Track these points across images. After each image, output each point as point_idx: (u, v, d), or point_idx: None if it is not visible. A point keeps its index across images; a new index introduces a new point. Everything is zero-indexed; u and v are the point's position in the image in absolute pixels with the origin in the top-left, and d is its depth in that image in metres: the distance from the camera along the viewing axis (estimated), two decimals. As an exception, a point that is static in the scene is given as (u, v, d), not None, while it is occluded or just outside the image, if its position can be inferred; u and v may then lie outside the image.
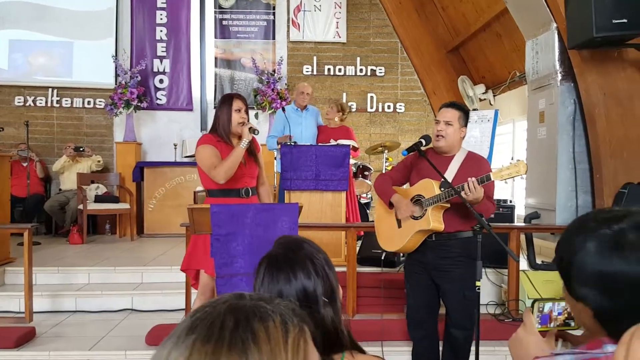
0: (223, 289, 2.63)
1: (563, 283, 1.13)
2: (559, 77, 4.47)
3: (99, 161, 7.37)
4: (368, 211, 6.02)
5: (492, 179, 2.76)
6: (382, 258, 3.65)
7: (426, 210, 2.93)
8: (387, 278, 4.07)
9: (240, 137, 3.16)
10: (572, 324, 1.31)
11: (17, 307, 4.26)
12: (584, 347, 1.07)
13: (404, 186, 3.20)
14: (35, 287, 4.29)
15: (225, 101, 3.23)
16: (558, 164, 4.45)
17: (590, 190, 4.43)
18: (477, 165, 3.01)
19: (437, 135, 3.00)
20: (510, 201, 5.24)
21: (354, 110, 8.02)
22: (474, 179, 2.74)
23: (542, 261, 5.01)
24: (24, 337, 3.64)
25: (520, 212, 5.38)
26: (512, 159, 2.89)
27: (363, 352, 1.28)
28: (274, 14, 7.91)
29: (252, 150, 3.29)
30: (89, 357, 3.54)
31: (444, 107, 3.09)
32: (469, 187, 2.72)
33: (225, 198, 3.11)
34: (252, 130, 3.15)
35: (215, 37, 7.92)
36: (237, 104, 3.19)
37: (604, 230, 1.05)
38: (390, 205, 3.07)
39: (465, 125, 3.07)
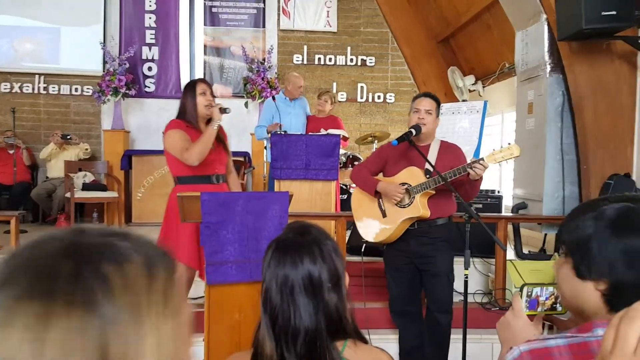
0: (213, 276, 2.63)
1: (571, 265, 1.14)
2: (548, 68, 4.49)
3: (86, 149, 7.30)
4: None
5: (487, 162, 2.80)
6: (363, 247, 3.66)
7: (414, 197, 2.97)
8: (371, 267, 4.10)
9: (208, 122, 3.13)
10: (559, 308, 1.34)
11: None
12: (575, 330, 1.09)
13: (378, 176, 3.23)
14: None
15: (188, 87, 3.21)
16: (546, 155, 4.50)
17: (577, 181, 4.48)
18: (453, 153, 3.15)
19: (419, 124, 3.04)
20: (498, 191, 5.29)
21: (343, 100, 8.02)
22: (481, 159, 2.81)
23: (529, 251, 5.07)
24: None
25: (507, 202, 5.43)
26: (493, 149, 2.93)
27: (366, 341, 1.30)
28: (264, 1, 7.85)
29: (220, 138, 3.28)
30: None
31: (422, 96, 3.16)
32: (476, 168, 2.78)
33: (196, 185, 3.08)
34: (223, 110, 3.12)
35: (205, 25, 7.86)
36: (200, 87, 3.17)
37: (621, 204, 1.10)
38: (375, 194, 3.10)
39: (438, 116, 3.16)
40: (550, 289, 1.33)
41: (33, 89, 7.64)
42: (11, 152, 6.80)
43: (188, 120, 3.16)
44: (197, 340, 3.51)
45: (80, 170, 7.01)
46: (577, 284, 1.14)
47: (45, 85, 7.66)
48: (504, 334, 1.29)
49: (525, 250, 4.93)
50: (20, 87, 7.62)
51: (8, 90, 7.61)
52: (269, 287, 1.22)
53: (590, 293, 1.10)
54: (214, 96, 3.24)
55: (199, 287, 3.94)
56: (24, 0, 7.47)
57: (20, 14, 7.49)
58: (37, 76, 7.63)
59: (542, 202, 4.52)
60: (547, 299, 1.33)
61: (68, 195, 6.51)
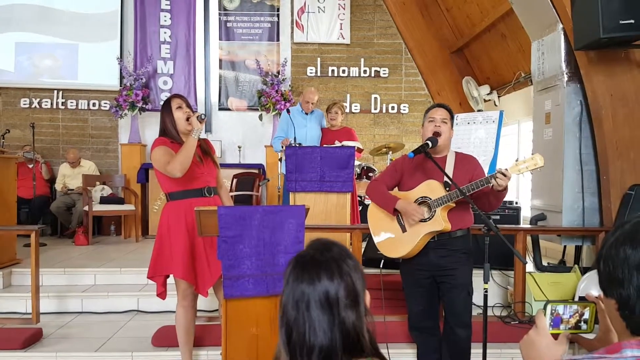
0: (230, 290, 2.63)
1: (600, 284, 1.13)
2: (565, 78, 4.45)
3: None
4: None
5: (510, 172, 2.77)
6: (382, 261, 3.63)
7: (435, 211, 2.93)
8: (388, 279, 4.06)
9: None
10: (584, 327, 1.31)
11: (24, 308, 4.27)
12: (603, 351, 1.06)
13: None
14: (42, 289, 4.31)
15: (164, 105, 3.25)
16: (564, 165, 4.44)
17: (597, 191, 4.41)
18: (470, 164, 3.10)
19: (435, 133, 3.01)
20: (516, 202, 5.23)
21: (357, 111, 8.02)
22: (503, 169, 2.77)
23: (549, 263, 5.00)
24: (31, 339, 3.65)
25: (526, 213, 5.37)
26: (516, 160, 2.89)
27: (384, 359, 1.28)
28: (278, 15, 7.92)
29: (207, 151, 3.29)
30: (95, 359, 3.54)
31: (436, 107, 3.14)
32: (499, 179, 2.74)
33: (188, 199, 3.09)
34: (199, 117, 3.12)
35: (220, 39, 7.94)
36: (175, 102, 3.21)
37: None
38: (394, 211, 3.07)
39: (452, 127, 3.13)
40: (575, 306, 1.30)
41: (52, 104, 7.77)
42: (30, 166, 6.91)
43: (171, 136, 3.19)
44: (211, 354, 3.52)
45: (97, 183, 7.10)
46: (605, 302, 1.12)
47: (63, 100, 7.78)
48: (528, 353, 1.27)
49: (544, 262, 4.86)
50: (40, 103, 7.75)
51: (27, 106, 7.75)
52: (286, 302, 1.22)
53: (612, 311, 1.08)
54: (190, 108, 3.25)
55: (214, 300, 3.96)
56: (43, 18, 7.62)
57: (39, 31, 7.64)
58: (55, 92, 7.76)
59: (562, 213, 4.46)
60: (570, 317, 1.30)
61: (86, 208, 6.57)
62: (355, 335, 1.21)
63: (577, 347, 1.35)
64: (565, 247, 4.79)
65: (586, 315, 1.30)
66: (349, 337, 1.20)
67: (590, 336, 1.34)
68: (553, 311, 1.30)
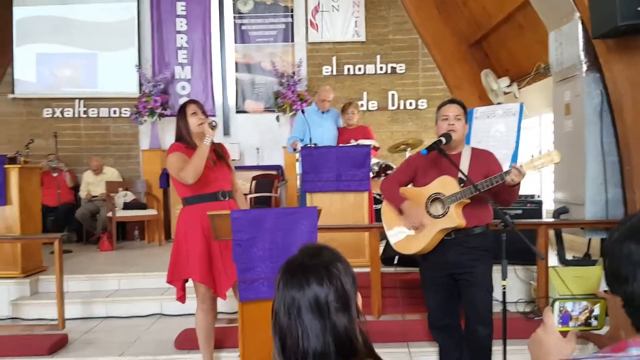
0: (245, 293, 2.64)
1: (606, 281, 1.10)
2: (584, 67, 4.35)
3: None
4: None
5: (525, 169, 2.72)
6: (396, 259, 3.60)
7: (449, 207, 2.90)
8: (408, 278, 4.03)
9: None
10: (594, 323, 1.27)
11: (51, 314, 4.34)
12: (608, 349, 1.03)
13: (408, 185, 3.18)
14: (67, 295, 4.39)
15: (180, 110, 3.27)
16: (586, 156, 4.34)
17: (620, 182, 4.30)
18: (486, 159, 3.05)
19: (449, 130, 2.98)
20: (538, 196, 5.13)
21: (374, 108, 7.98)
22: (518, 165, 2.72)
23: (573, 256, 4.90)
24: (57, 344, 3.73)
25: (549, 207, 5.27)
26: (539, 152, 2.83)
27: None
28: (292, 16, 7.93)
29: (221, 155, 3.31)
30: (119, 363, 3.60)
31: (448, 103, 3.09)
32: (513, 175, 2.71)
33: (203, 203, 3.11)
34: (211, 124, 3.14)
35: (235, 42, 7.99)
36: (191, 109, 3.23)
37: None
38: (400, 211, 3.05)
39: (467, 122, 3.09)
40: (584, 303, 1.27)
41: (74, 113, 7.93)
42: (54, 175, 7.04)
43: (185, 141, 3.22)
44: (232, 356, 3.54)
45: (120, 190, 7.21)
46: (611, 299, 1.10)
47: (85, 109, 7.94)
48: (535, 351, 1.24)
49: (569, 256, 4.76)
50: (62, 112, 7.91)
51: (50, 116, 7.91)
52: (278, 309, 1.22)
53: (618, 308, 1.05)
54: (205, 114, 3.28)
55: (235, 302, 3.98)
56: (62, 29, 7.78)
57: (59, 41, 7.81)
58: (77, 101, 7.91)
59: (585, 206, 4.36)
60: (580, 313, 1.27)
61: (110, 215, 6.68)
62: (348, 338, 1.21)
63: (592, 347, 1.31)
64: (590, 240, 4.68)
65: (596, 312, 1.27)
66: (341, 341, 1.20)
67: (602, 332, 1.31)
68: (561, 308, 1.27)
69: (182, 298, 3.26)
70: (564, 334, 1.25)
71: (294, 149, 5.09)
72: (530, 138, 6.74)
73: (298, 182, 5.58)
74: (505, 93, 7.10)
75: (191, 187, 3.11)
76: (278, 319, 1.22)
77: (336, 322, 1.19)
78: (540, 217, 4.81)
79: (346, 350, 1.20)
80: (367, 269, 4.12)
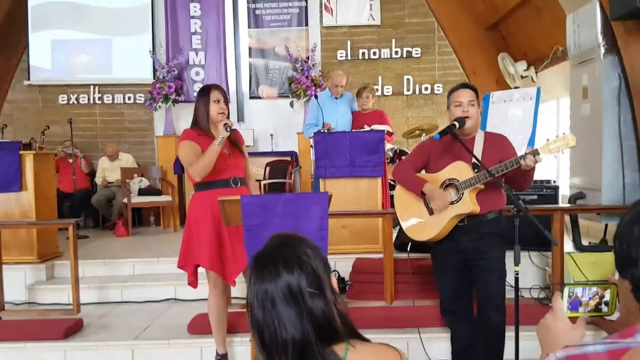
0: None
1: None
2: (602, 50, 4.25)
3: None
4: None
5: (540, 154, 2.67)
6: (409, 246, 3.57)
7: (463, 193, 2.87)
8: (419, 264, 4.00)
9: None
10: (605, 309, 1.24)
11: (67, 299, 4.41)
12: (617, 335, 1.01)
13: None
14: (83, 280, 4.45)
15: (202, 93, 3.18)
16: (603, 141, 4.26)
17: (638, 167, 4.22)
18: (500, 144, 3.01)
19: (464, 117, 2.93)
20: (554, 182, 5.05)
21: (389, 93, 7.91)
22: (530, 154, 2.68)
23: (590, 242, 4.84)
24: (72, 329, 3.77)
25: (565, 192, 5.19)
26: (547, 139, 2.78)
27: (366, 340, 1.26)
28: (306, 0, 7.85)
29: (235, 142, 3.26)
30: (133, 347, 3.64)
31: (461, 88, 3.04)
32: (528, 160, 2.67)
33: (214, 189, 3.09)
34: (226, 127, 3.05)
35: (249, 27, 7.94)
36: (214, 95, 3.15)
37: None
38: (422, 194, 3.01)
39: (479, 106, 3.06)
40: (594, 288, 1.24)
41: (89, 99, 7.98)
42: (70, 161, 7.11)
43: (200, 127, 3.16)
44: (244, 341, 3.56)
45: (135, 176, 7.27)
46: (620, 283, 1.07)
47: (100, 95, 7.98)
48: (543, 337, 1.22)
49: (585, 242, 4.70)
50: (77, 99, 7.97)
51: (65, 102, 7.98)
52: (252, 303, 1.22)
53: (627, 293, 1.02)
54: (227, 104, 3.21)
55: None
56: (76, 15, 7.81)
57: (74, 28, 7.84)
58: (92, 87, 7.95)
59: (601, 191, 4.29)
60: (590, 299, 1.24)
61: (125, 201, 6.74)
62: (327, 322, 1.20)
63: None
64: (606, 226, 4.61)
65: (607, 297, 1.24)
66: (320, 325, 1.19)
67: (612, 318, 1.28)
68: (571, 294, 1.25)
69: (193, 283, 3.27)
70: (573, 320, 1.22)
71: (328, 130, 4.95)
72: (547, 122, 6.63)
73: (312, 168, 5.57)
74: (523, 77, 6.99)
75: None
76: (253, 313, 1.21)
77: (312, 307, 1.18)
78: (556, 203, 4.74)
79: (327, 333, 1.19)
80: (381, 255, 4.11)
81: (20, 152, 4.80)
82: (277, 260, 1.21)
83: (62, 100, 7.97)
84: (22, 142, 4.88)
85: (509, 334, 2.95)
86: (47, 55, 7.87)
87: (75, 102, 7.97)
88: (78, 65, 7.93)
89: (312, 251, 1.25)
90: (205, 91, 3.19)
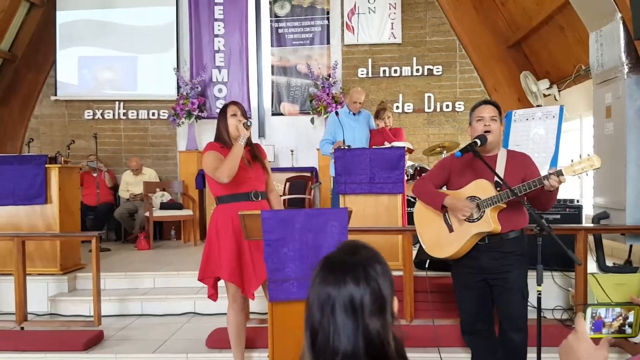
0: (275, 294, 2.65)
1: None
2: (626, 69, 4.22)
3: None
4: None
5: (564, 174, 2.65)
6: (427, 263, 3.54)
7: (484, 211, 2.84)
8: (439, 282, 3.97)
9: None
10: (629, 330, 1.22)
11: (88, 311, 4.46)
12: (638, 357, 0.99)
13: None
14: (105, 292, 4.50)
15: (221, 111, 3.33)
16: (627, 160, 4.21)
17: (663, 187, 4.15)
18: (522, 162, 2.98)
19: (486, 132, 2.92)
20: (578, 201, 4.98)
21: (410, 111, 7.91)
22: (554, 174, 2.66)
23: (614, 263, 4.75)
24: (93, 341, 3.82)
25: (588, 211, 5.12)
26: (572, 160, 2.75)
27: None
28: (328, 18, 7.94)
29: (257, 156, 3.34)
30: (152, 360, 3.66)
31: (483, 104, 3.03)
32: (552, 180, 2.65)
33: (235, 203, 3.14)
34: (245, 124, 3.17)
35: (272, 46, 8.05)
36: (231, 110, 3.28)
37: None
38: (442, 208, 2.99)
39: (502, 123, 3.02)
40: (618, 309, 1.22)
41: (114, 114, 8.13)
42: (94, 175, 7.23)
43: (222, 141, 3.27)
44: (263, 356, 3.56)
45: (158, 190, 7.36)
46: None
47: (124, 110, 8.13)
48: (566, 358, 1.20)
49: (609, 263, 4.61)
50: (102, 114, 8.13)
51: (91, 117, 8.15)
52: (312, 303, 1.20)
53: None
54: (245, 116, 3.31)
55: (267, 302, 4.00)
56: (103, 33, 8.01)
57: (100, 45, 8.04)
58: (117, 103, 8.11)
59: (625, 211, 4.22)
60: (613, 320, 1.22)
61: (147, 214, 6.82)
62: (380, 343, 1.17)
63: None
64: (631, 246, 4.52)
65: (630, 319, 1.22)
66: (372, 345, 1.16)
67: (637, 340, 1.25)
68: (594, 314, 1.23)
69: (213, 296, 3.29)
70: (596, 341, 1.20)
71: (339, 147, 4.98)
72: (570, 141, 6.56)
73: (332, 184, 5.58)
74: (545, 95, 6.95)
75: (224, 186, 3.15)
76: (311, 314, 1.20)
77: (369, 324, 1.16)
78: (580, 222, 4.67)
79: (376, 355, 1.16)
80: (400, 272, 4.09)
81: (46, 165, 4.90)
82: (346, 267, 1.20)
83: (88, 116, 8.14)
84: (48, 155, 4.98)
85: (531, 355, 2.90)
86: (74, 71, 8.06)
87: (101, 117, 8.13)
88: (104, 81, 8.11)
89: (382, 268, 1.23)
90: (223, 108, 3.33)
